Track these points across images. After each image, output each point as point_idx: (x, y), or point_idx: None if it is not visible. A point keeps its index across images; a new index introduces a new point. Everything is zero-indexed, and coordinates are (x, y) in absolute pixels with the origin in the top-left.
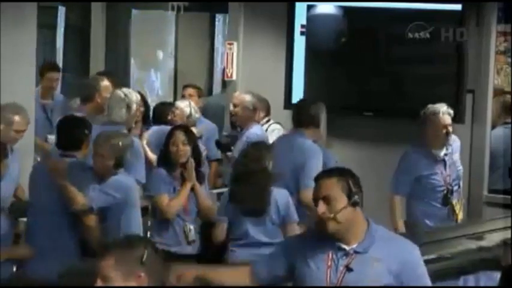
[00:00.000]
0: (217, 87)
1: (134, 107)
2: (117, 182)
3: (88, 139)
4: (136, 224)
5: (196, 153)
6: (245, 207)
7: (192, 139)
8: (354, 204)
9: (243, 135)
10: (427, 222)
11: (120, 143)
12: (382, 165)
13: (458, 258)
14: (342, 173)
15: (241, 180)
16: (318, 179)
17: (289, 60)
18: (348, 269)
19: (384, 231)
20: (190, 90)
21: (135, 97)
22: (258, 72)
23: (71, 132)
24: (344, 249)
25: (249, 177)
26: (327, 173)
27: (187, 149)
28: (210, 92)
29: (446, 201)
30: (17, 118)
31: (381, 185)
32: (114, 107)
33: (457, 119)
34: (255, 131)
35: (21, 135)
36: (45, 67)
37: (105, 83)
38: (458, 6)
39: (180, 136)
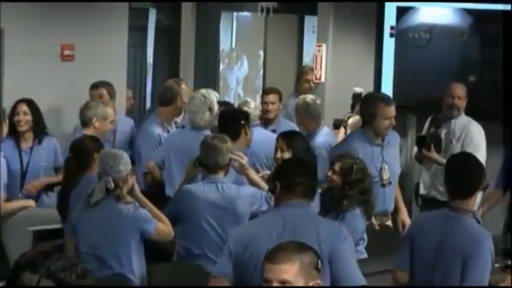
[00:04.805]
0: None
1: (216, 107)
2: None
3: (245, 129)
4: None
5: None
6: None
7: None
8: None
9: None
10: None
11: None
12: None
13: None
14: None
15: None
16: None
17: (378, 62)
18: None
19: None
20: (271, 97)
21: (215, 97)
22: (347, 74)
23: (227, 124)
24: None
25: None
26: None
27: None
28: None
29: None
30: (110, 111)
31: None
32: (197, 112)
33: None
34: (320, 138)
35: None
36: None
37: (185, 86)
38: None
39: None
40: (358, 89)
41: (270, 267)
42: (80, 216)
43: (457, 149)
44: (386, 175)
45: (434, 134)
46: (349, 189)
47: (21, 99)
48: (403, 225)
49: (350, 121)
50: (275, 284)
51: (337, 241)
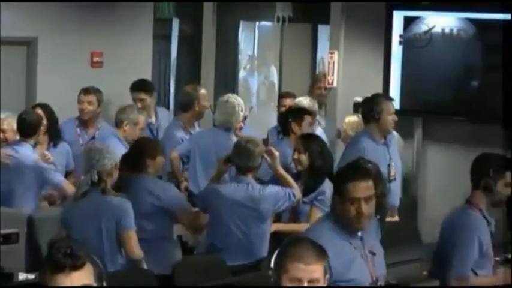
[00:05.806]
0: None
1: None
2: None
3: (291, 126)
4: None
5: None
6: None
7: None
8: None
9: None
10: None
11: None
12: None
13: None
14: None
15: None
16: None
17: (387, 68)
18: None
19: None
20: (288, 101)
21: (240, 99)
22: (358, 80)
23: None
24: None
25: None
26: None
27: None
28: None
29: None
30: (142, 118)
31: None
32: (234, 113)
33: None
34: None
35: (142, 132)
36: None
37: (203, 91)
38: None
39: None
40: (358, 99)
41: (303, 268)
42: (70, 208)
43: None
44: (393, 171)
45: None
46: None
47: (36, 104)
48: None
49: (346, 121)
50: (305, 284)
51: None
